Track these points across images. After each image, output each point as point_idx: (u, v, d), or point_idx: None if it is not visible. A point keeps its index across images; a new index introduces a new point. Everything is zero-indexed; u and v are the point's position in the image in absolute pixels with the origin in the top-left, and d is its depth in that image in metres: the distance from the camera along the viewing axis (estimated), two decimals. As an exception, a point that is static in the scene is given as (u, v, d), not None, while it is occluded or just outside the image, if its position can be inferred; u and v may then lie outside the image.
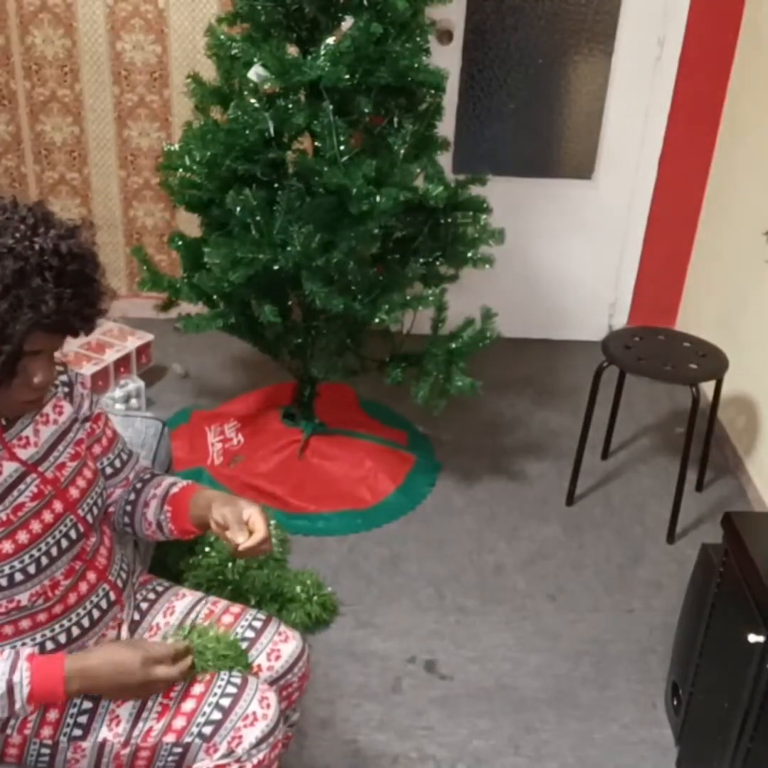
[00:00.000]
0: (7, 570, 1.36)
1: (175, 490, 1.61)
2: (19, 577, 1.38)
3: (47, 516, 1.42)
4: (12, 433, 1.43)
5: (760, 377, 3.04)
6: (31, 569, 1.39)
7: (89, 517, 1.50)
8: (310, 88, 2.45)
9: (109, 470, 1.63)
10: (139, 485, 1.65)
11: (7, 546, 1.36)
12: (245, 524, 1.47)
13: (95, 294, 1.33)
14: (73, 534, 1.46)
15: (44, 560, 1.41)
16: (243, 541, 1.44)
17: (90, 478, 1.52)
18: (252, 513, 1.48)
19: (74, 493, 1.48)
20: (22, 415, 1.45)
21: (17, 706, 1.33)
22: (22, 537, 1.38)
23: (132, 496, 1.64)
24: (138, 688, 1.40)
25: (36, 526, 1.40)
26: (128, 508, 1.64)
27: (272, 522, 2.61)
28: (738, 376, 3.04)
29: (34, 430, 1.46)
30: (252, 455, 2.95)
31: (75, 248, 1.29)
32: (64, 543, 1.44)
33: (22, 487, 1.41)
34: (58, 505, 1.45)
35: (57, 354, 1.42)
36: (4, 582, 1.36)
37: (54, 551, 1.42)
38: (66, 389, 1.55)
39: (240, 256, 2.44)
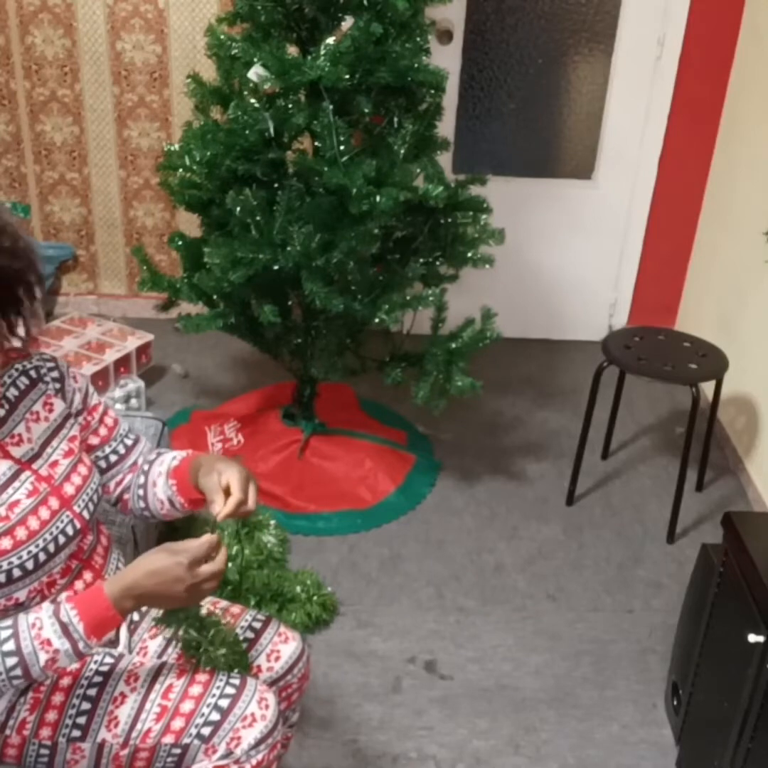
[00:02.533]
0: (5, 566, 1.37)
1: (175, 462, 1.61)
2: (17, 573, 1.38)
3: (44, 512, 1.43)
4: (4, 432, 1.44)
5: (760, 377, 3.03)
6: (30, 565, 1.39)
7: (85, 514, 1.50)
8: (310, 88, 2.44)
9: (113, 458, 1.63)
10: (146, 467, 1.65)
11: (6, 542, 1.37)
12: (224, 491, 1.45)
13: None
14: (69, 530, 1.46)
15: (42, 556, 1.41)
16: (218, 510, 1.43)
17: (85, 474, 1.52)
18: (229, 476, 1.46)
19: (69, 489, 1.48)
20: (13, 412, 1.45)
21: (81, 645, 1.32)
22: (21, 533, 1.39)
23: (141, 479, 1.64)
24: (187, 592, 1.36)
25: (33, 523, 1.41)
26: (140, 492, 1.64)
27: (272, 522, 2.62)
28: (738, 376, 3.04)
29: (27, 427, 1.47)
30: (252, 455, 2.95)
31: None
32: (61, 539, 1.45)
33: (16, 484, 1.41)
34: (54, 502, 1.45)
35: (49, 351, 1.42)
36: (2, 578, 1.37)
37: (51, 547, 1.43)
38: (57, 385, 1.54)
39: (240, 256, 2.44)
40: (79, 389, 1.58)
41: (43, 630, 1.31)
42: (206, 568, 1.37)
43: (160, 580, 1.35)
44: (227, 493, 1.45)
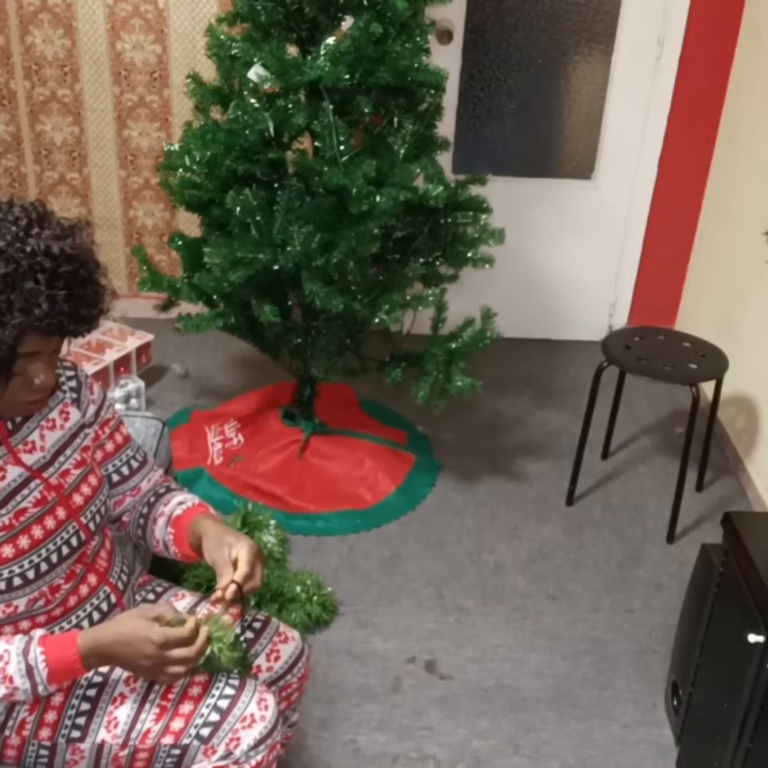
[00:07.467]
0: (6, 574, 1.36)
1: (179, 511, 1.59)
2: (17, 582, 1.37)
3: (49, 522, 1.42)
4: (18, 438, 1.43)
5: (760, 377, 3.03)
6: (30, 574, 1.39)
7: (92, 525, 1.49)
8: (310, 88, 2.44)
9: (115, 477, 1.62)
10: (152, 499, 1.64)
11: (8, 550, 1.36)
12: (232, 565, 1.44)
13: (91, 295, 1.31)
14: (74, 541, 1.46)
15: (44, 566, 1.40)
16: (224, 584, 1.41)
17: (95, 485, 1.52)
18: (239, 551, 1.45)
19: (78, 500, 1.47)
20: (28, 419, 1.44)
21: (40, 688, 1.33)
22: (23, 542, 1.38)
23: (145, 510, 1.63)
24: (151, 668, 1.35)
25: (37, 532, 1.40)
26: (141, 521, 1.63)
27: (272, 522, 2.63)
28: (738, 376, 3.04)
29: (40, 435, 1.46)
30: (252, 455, 2.95)
31: (68, 249, 1.27)
32: (65, 550, 1.44)
33: (25, 492, 1.40)
34: (61, 512, 1.44)
35: (63, 353, 1.42)
36: (2, 586, 1.36)
37: (54, 558, 1.42)
38: (74, 395, 1.54)
39: (240, 256, 2.44)
40: (93, 401, 1.57)
41: (9, 665, 1.31)
42: (177, 653, 1.34)
43: (130, 650, 1.33)
44: (235, 567, 1.43)
